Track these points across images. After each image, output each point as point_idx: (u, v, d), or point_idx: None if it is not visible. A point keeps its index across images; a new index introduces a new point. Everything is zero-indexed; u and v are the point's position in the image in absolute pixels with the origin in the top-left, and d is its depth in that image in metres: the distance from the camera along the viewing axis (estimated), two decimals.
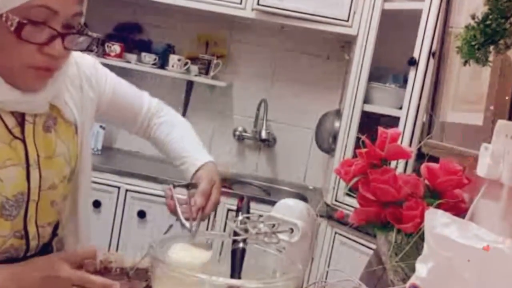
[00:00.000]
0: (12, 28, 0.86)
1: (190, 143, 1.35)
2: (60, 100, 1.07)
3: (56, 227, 1.12)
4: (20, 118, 0.99)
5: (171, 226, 1.14)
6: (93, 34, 0.99)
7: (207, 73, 2.76)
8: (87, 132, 1.16)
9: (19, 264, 0.96)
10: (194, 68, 2.77)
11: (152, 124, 1.36)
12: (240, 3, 2.52)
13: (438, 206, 1.02)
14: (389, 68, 2.36)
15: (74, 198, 1.16)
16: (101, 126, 2.77)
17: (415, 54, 2.03)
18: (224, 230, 1.03)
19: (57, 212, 1.10)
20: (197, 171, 1.26)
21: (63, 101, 1.08)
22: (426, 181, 1.10)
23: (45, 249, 1.08)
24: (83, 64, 1.17)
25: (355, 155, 1.14)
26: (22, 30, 0.87)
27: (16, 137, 0.98)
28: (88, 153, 1.17)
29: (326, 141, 2.69)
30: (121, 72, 3.06)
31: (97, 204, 2.39)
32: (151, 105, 1.37)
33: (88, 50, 1.01)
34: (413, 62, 2.04)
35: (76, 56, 1.14)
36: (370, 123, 2.18)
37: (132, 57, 2.79)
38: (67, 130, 1.09)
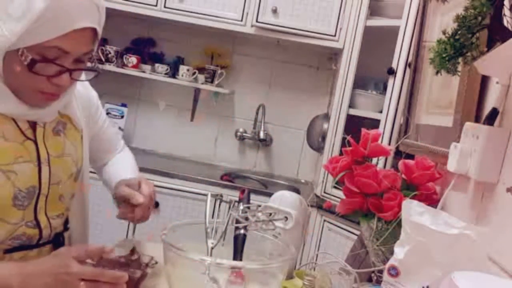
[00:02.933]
0: (25, 63, 0.86)
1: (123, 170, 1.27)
2: (70, 110, 1.06)
3: (66, 221, 1.10)
4: (32, 122, 0.98)
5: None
6: (98, 67, 0.99)
7: (212, 81, 2.75)
8: (87, 140, 1.15)
9: (30, 262, 0.89)
10: (201, 77, 2.76)
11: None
12: (241, 21, 2.51)
13: (414, 197, 1.02)
14: (371, 77, 2.36)
15: (81, 197, 1.14)
16: (120, 128, 2.76)
17: (394, 65, 2.03)
18: (227, 219, 1.03)
19: (65, 207, 1.07)
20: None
21: (73, 110, 1.07)
22: (403, 176, 1.10)
23: (57, 238, 1.05)
24: (89, 89, 1.18)
25: (341, 153, 1.14)
26: (34, 65, 0.86)
27: (28, 138, 0.96)
28: (87, 156, 1.15)
29: (316, 141, 2.69)
30: (138, 81, 3.06)
31: None
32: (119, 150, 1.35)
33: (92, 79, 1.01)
34: (391, 72, 2.03)
35: (87, 88, 1.16)
36: (354, 125, 2.18)
37: (147, 67, 2.78)
38: (75, 135, 1.08)
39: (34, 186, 0.96)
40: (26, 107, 0.93)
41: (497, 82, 0.92)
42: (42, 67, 0.87)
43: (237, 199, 1.10)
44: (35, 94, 0.91)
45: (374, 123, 2.08)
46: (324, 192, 2.30)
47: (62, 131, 1.04)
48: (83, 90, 1.14)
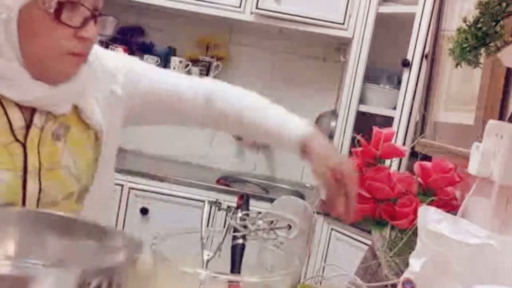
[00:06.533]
0: (52, 10, 0.83)
1: (276, 115, 1.12)
2: (85, 105, 0.97)
3: None
4: (29, 120, 0.90)
5: None
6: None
7: (207, 74, 2.75)
8: (111, 143, 1.03)
9: None
10: (195, 70, 2.77)
11: (212, 104, 1.13)
12: (239, 7, 2.51)
13: (431, 203, 1.02)
14: (383, 70, 2.36)
15: None
16: None
17: (409, 56, 2.03)
18: (224, 227, 1.03)
19: None
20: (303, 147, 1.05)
21: (88, 106, 0.98)
22: (419, 179, 1.10)
23: None
24: (111, 63, 1.05)
25: (350, 154, 1.14)
26: (61, 11, 0.83)
27: (17, 140, 0.88)
28: (108, 169, 1.04)
29: None
30: None
31: None
32: (198, 87, 1.14)
33: (111, 36, 0.96)
34: (406, 64, 2.04)
35: (108, 58, 1.06)
36: (365, 123, 2.18)
37: None
38: (81, 141, 0.97)
39: (12, 203, 0.87)
40: (45, 87, 0.88)
41: None
42: (68, 15, 0.84)
43: (235, 205, 1.10)
44: (63, 57, 0.87)
45: (387, 121, 2.09)
46: None
47: (63, 136, 0.94)
48: (103, 70, 1.02)
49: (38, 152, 0.90)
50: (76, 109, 0.96)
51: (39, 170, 0.90)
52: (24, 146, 0.89)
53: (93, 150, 0.99)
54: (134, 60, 1.11)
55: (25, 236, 0.76)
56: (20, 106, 0.89)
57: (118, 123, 1.07)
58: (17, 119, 0.88)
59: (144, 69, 1.11)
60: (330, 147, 1.04)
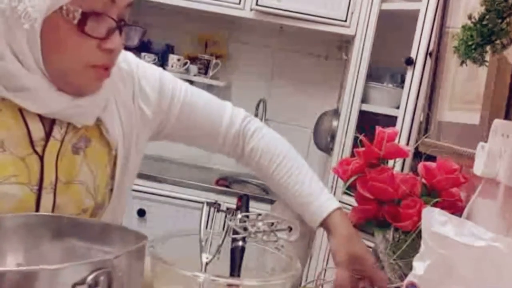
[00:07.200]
0: (76, 21, 0.80)
1: (308, 183, 1.14)
2: (107, 118, 0.96)
3: None
4: (48, 131, 0.88)
5: None
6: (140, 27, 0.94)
7: (206, 73, 2.76)
8: (130, 163, 1.03)
9: None
10: (193, 68, 2.77)
11: (245, 144, 1.19)
12: (239, 3, 2.51)
13: (435, 205, 1.02)
14: (386, 68, 2.36)
15: None
16: None
17: (413, 54, 2.03)
18: (223, 229, 1.03)
19: None
20: (324, 224, 1.09)
21: (111, 121, 0.97)
22: (423, 180, 1.10)
23: None
24: (143, 78, 1.05)
25: (353, 154, 1.14)
26: (86, 22, 0.81)
27: (35, 152, 0.87)
28: (125, 189, 1.04)
29: (324, 141, 2.68)
30: None
31: None
32: (234, 120, 1.19)
33: (136, 44, 0.94)
34: (410, 62, 2.04)
35: (139, 68, 1.05)
36: (367, 123, 2.18)
37: None
38: (101, 156, 0.97)
39: None
40: (69, 99, 0.86)
41: None
42: (92, 26, 0.82)
43: (234, 206, 1.10)
44: (87, 71, 0.86)
45: (390, 120, 2.08)
46: None
47: (83, 149, 0.93)
48: (130, 85, 1.02)
49: (56, 165, 0.89)
50: (99, 122, 0.95)
51: (55, 184, 0.89)
52: (41, 158, 0.88)
53: (111, 167, 0.99)
54: (167, 80, 1.10)
55: (24, 244, 0.78)
56: (41, 117, 0.87)
57: (140, 144, 1.06)
58: (37, 130, 0.87)
59: (181, 94, 1.10)
60: (353, 232, 1.08)
